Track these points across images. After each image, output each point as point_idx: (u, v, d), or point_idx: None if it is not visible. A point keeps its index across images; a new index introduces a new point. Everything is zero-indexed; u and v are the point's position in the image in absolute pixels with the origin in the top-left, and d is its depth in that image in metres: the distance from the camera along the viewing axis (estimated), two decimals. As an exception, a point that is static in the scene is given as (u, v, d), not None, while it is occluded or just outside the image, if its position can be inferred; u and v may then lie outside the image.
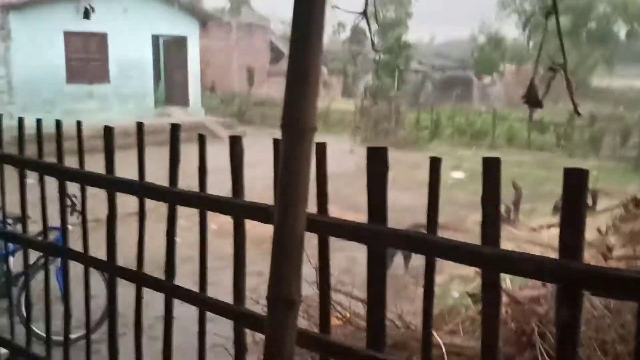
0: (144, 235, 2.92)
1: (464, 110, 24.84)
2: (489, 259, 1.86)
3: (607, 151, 18.00)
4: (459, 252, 1.92)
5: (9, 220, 4.44)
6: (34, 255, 3.93)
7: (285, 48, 35.13)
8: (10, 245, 4.81)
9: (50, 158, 3.43)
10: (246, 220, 2.48)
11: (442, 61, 38.69)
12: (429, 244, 1.97)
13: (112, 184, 3.01)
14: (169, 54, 22.17)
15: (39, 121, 3.37)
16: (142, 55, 20.02)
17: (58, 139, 3.35)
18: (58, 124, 3.36)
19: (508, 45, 40.38)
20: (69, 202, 3.65)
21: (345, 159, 16.89)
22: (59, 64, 18.08)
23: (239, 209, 2.46)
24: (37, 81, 17.38)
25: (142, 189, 2.86)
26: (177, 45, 21.65)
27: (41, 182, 3.46)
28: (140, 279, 2.89)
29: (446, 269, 6.68)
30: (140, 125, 2.98)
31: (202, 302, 2.61)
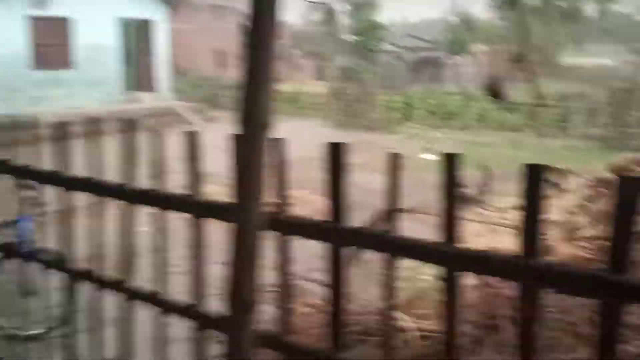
0: (102, 232, 2.84)
1: (436, 91, 24.88)
2: (450, 257, 1.83)
3: (576, 130, 18.20)
4: (419, 251, 1.89)
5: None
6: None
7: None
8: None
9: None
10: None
11: (414, 42, 38.66)
12: (390, 243, 1.94)
13: (63, 182, 2.92)
14: (138, 38, 21.72)
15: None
16: (108, 39, 19.61)
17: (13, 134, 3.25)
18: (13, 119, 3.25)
19: (480, 26, 40.51)
20: (29, 195, 3.55)
21: (317, 143, 16.81)
22: (23, 50, 17.60)
23: (196, 207, 2.39)
24: (0, 68, 16.91)
25: (94, 187, 2.77)
26: (145, 29, 21.23)
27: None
28: (97, 280, 2.82)
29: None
30: (95, 118, 2.88)
31: (160, 303, 2.55)
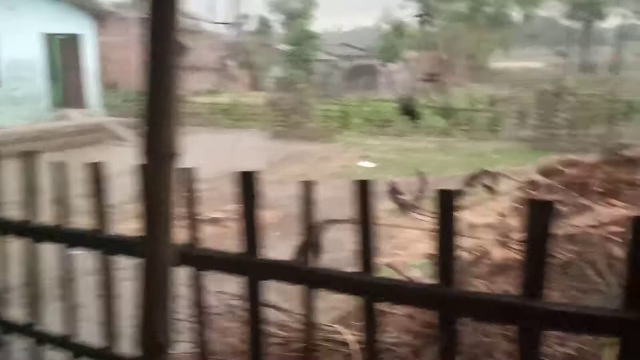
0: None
1: (371, 98, 25.15)
2: (368, 288, 1.77)
3: (507, 133, 18.71)
4: (334, 281, 1.82)
5: None
6: None
7: (189, 41, 34.29)
8: None
9: None
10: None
11: (348, 50, 39.04)
12: (303, 274, 1.86)
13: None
14: (65, 53, 20.99)
15: None
16: (33, 55, 18.87)
17: None
18: None
19: (411, 33, 41.32)
20: None
21: (254, 154, 16.67)
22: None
23: (104, 243, 2.25)
24: None
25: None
26: (72, 43, 20.56)
27: None
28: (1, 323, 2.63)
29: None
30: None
31: (70, 346, 2.39)
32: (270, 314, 3.82)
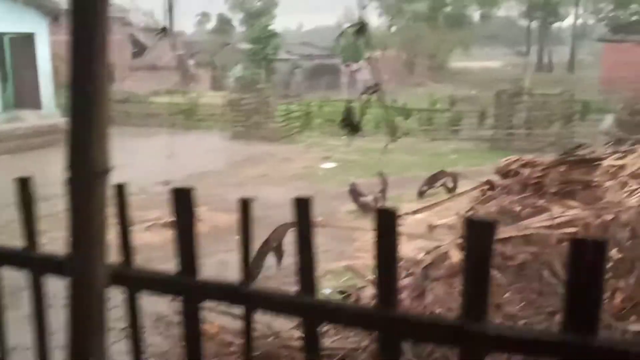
0: None
1: (332, 98, 25.12)
2: (307, 309, 1.69)
3: (467, 133, 18.90)
4: (275, 303, 1.73)
5: None
6: None
7: (147, 40, 33.73)
8: None
9: None
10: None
11: (310, 50, 38.99)
12: (243, 296, 1.77)
13: None
14: (16, 53, 20.39)
15: None
16: (-18, 56, 18.27)
17: None
18: None
19: (372, 32, 41.45)
20: None
21: (215, 156, 16.45)
22: None
23: (33, 263, 2.11)
24: None
25: None
26: (24, 43, 19.95)
27: None
28: None
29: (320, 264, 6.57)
30: None
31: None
32: (229, 322, 3.72)
